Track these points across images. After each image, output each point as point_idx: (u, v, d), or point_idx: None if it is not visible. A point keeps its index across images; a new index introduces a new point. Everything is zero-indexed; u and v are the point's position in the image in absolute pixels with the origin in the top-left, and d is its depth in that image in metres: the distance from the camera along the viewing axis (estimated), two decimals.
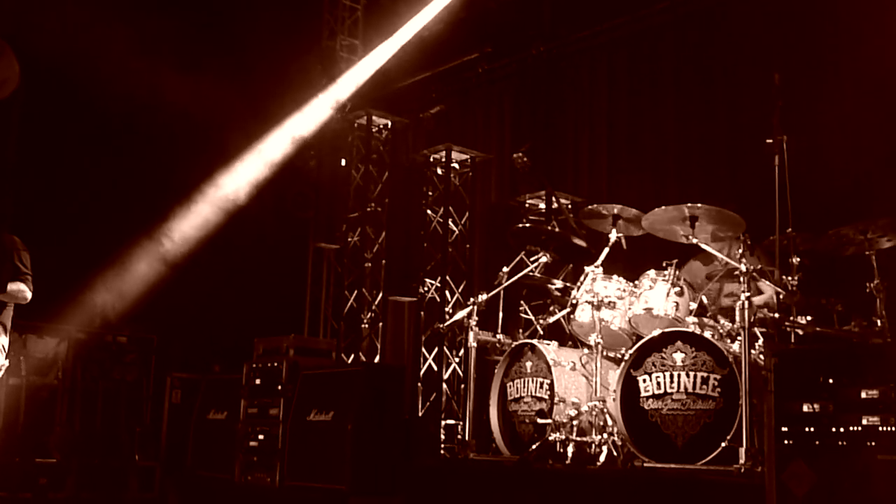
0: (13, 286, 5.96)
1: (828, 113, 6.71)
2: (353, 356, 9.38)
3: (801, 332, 5.16)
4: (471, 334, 6.27)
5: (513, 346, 6.26)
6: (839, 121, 6.69)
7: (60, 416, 8.80)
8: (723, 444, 4.92)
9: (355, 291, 9.66)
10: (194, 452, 8.24)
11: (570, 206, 7.82)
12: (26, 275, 6.04)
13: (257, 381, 7.55)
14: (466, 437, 6.19)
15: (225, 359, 8.52)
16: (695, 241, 5.50)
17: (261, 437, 7.33)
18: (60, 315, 8.74)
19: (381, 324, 9.56)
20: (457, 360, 8.79)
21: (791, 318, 5.12)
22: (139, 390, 9.26)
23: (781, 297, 5.19)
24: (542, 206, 8.37)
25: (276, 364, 7.42)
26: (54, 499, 8.22)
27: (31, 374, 8.62)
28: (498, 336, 6.60)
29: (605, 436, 5.30)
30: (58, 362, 8.84)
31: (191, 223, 9.37)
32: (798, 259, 5.33)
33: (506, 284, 6.42)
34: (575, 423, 5.47)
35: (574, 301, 5.99)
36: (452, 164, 9.05)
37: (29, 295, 6.06)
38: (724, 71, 7.52)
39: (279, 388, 7.31)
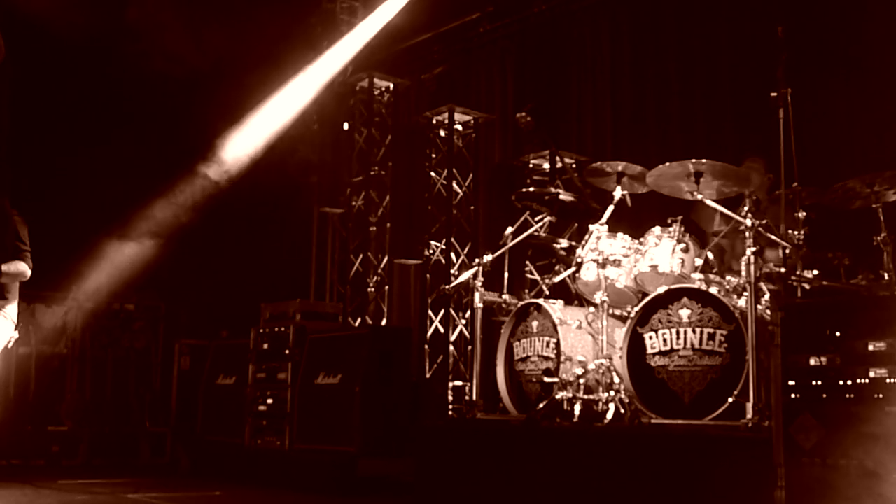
0: (13, 267, 5.95)
1: (832, 65, 6.65)
2: (359, 320, 9.40)
3: (807, 286, 5.14)
4: (476, 295, 6.26)
5: (519, 306, 6.25)
6: (844, 72, 6.63)
7: (71, 384, 8.87)
8: (730, 400, 4.92)
9: (361, 255, 9.66)
10: (204, 418, 8.31)
11: (574, 165, 7.77)
12: (25, 251, 6.03)
13: (265, 346, 7.59)
14: (474, 398, 6.20)
15: (232, 324, 8.55)
16: (699, 196, 5.47)
17: (269, 401, 7.38)
18: (68, 284, 8.78)
19: (387, 287, 9.58)
20: (463, 321, 8.81)
21: (797, 272, 5.10)
22: (148, 357, 9.33)
23: (788, 251, 5.16)
24: (547, 165, 8.34)
25: (283, 329, 7.46)
26: (67, 466, 8.32)
27: (40, 344, 8.68)
28: (504, 296, 6.59)
29: (612, 393, 5.30)
30: (67, 331, 8.90)
31: (195, 189, 9.37)
32: (804, 213, 5.30)
33: (511, 245, 6.41)
34: (582, 381, 5.47)
35: (579, 260, 5.96)
36: (455, 126, 9.01)
37: (28, 273, 6.06)
38: (728, 25, 7.45)
39: (287, 352, 7.35)
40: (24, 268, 5.99)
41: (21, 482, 6.67)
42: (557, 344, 5.83)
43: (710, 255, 5.81)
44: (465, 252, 8.99)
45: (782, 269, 5.11)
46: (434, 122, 9.05)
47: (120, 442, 8.78)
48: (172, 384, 8.92)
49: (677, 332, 5.27)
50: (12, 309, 6.03)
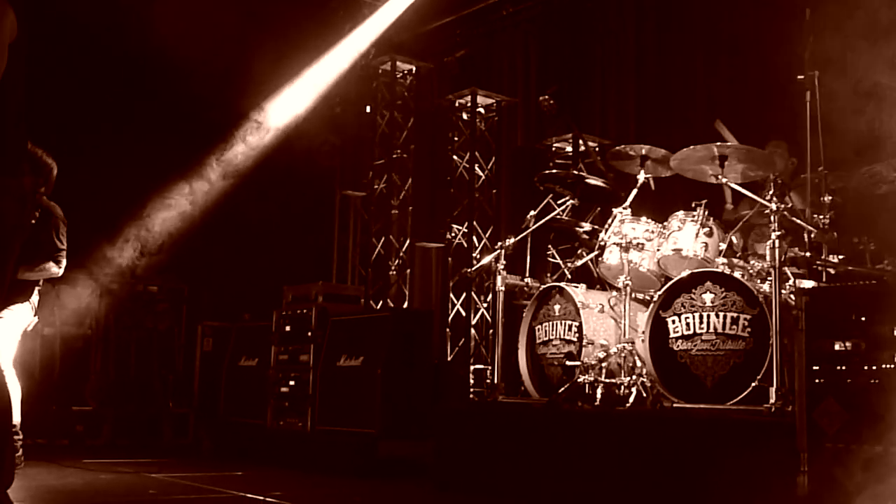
0: (44, 267, 5.98)
1: (860, 46, 6.56)
2: (381, 302, 9.42)
3: (832, 271, 5.09)
4: (498, 278, 6.25)
5: (541, 289, 6.24)
6: (871, 54, 6.55)
7: (95, 364, 8.94)
8: (753, 384, 4.89)
9: (382, 238, 9.67)
10: (226, 399, 8.36)
11: (597, 149, 7.75)
12: (61, 251, 6.06)
13: (287, 328, 7.61)
14: (495, 381, 6.21)
15: (255, 307, 8.58)
16: (724, 180, 5.43)
17: (291, 382, 7.40)
18: (93, 266, 8.83)
19: (408, 270, 9.58)
20: (485, 304, 8.81)
21: (822, 257, 5.05)
22: (171, 339, 9.38)
23: (813, 236, 5.12)
24: (569, 149, 8.31)
25: (305, 311, 7.48)
26: (91, 445, 8.39)
27: (65, 325, 8.75)
28: (526, 280, 6.57)
29: (634, 377, 5.28)
30: (91, 312, 8.96)
31: (218, 173, 9.39)
32: (830, 197, 5.24)
33: (533, 228, 6.39)
34: (604, 364, 5.45)
35: (602, 243, 5.94)
36: (478, 109, 8.99)
37: (58, 271, 6.08)
38: (755, 6, 7.37)
39: (309, 334, 7.37)
40: (53, 269, 6.03)
41: (46, 461, 6.73)
42: (580, 327, 5.82)
43: (735, 239, 5.78)
44: (487, 235, 8.98)
45: (807, 254, 5.06)
46: (457, 105, 9.04)
47: (143, 422, 8.85)
48: (195, 366, 8.96)
49: (700, 317, 5.24)
50: (34, 295, 6.08)
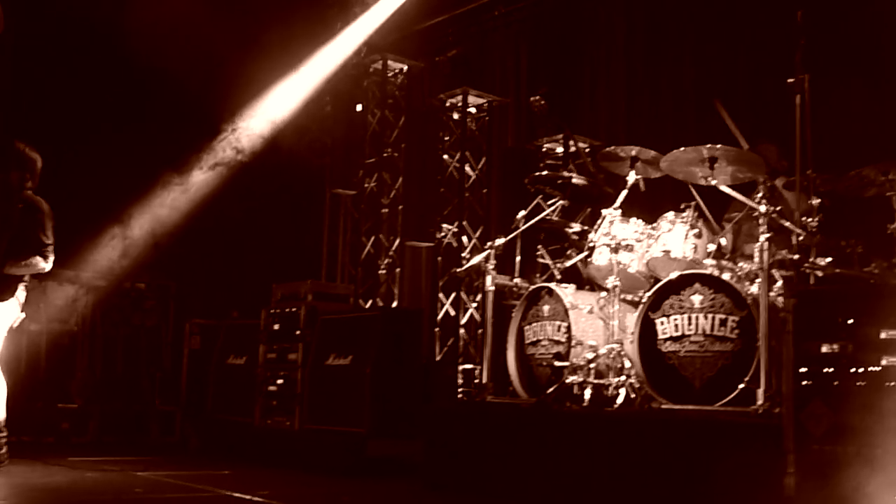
0: (31, 262, 5.93)
1: (851, 51, 6.59)
2: (370, 301, 9.41)
3: (820, 273, 5.10)
4: (488, 278, 6.26)
5: (530, 289, 6.24)
6: (863, 59, 6.58)
7: (82, 361, 8.91)
8: (741, 386, 4.90)
9: (372, 237, 9.66)
10: (214, 397, 8.34)
11: (588, 150, 7.74)
12: (48, 246, 6.00)
13: (276, 327, 7.60)
14: (484, 381, 6.21)
15: (243, 304, 8.56)
16: (713, 182, 5.44)
17: (280, 381, 7.39)
18: (80, 262, 8.80)
19: (398, 269, 9.58)
20: (474, 304, 8.81)
21: (810, 259, 5.07)
22: (159, 336, 9.35)
23: (801, 238, 5.14)
24: (560, 149, 8.31)
25: (294, 309, 7.47)
26: (77, 443, 8.35)
27: (51, 321, 8.71)
28: (515, 280, 6.58)
29: (623, 378, 5.28)
30: (78, 309, 8.92)
31: (207, 170, 9.37)
32: (818, 200, 5.26)
33: (523, 228, 6.39)
34: (592, 365, 5.46)
35: (591, 244, 5.94)
36: (469, 109, 9.00)
37: (45, 266, 6.02)
38: (746, 9, 7.39)
39: (297, 332, 7.37)
40: (41, 265, 5.98)
41: (31, 459, 6.69)
42: (568, 328, 5.82)
43: (724, 241, 5.79)
44: (477, 235, 8.98)
45: (795, 256, 5.07)
46: (448, 104, 9.04)
47: (130, 420, 8.81)
48: (183, 363, 8.93)
49: (689, 318, 5.25)
50: (21, 290, 6.04)
